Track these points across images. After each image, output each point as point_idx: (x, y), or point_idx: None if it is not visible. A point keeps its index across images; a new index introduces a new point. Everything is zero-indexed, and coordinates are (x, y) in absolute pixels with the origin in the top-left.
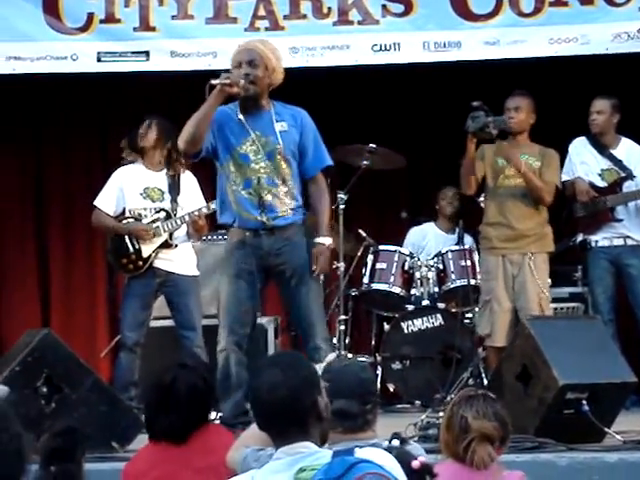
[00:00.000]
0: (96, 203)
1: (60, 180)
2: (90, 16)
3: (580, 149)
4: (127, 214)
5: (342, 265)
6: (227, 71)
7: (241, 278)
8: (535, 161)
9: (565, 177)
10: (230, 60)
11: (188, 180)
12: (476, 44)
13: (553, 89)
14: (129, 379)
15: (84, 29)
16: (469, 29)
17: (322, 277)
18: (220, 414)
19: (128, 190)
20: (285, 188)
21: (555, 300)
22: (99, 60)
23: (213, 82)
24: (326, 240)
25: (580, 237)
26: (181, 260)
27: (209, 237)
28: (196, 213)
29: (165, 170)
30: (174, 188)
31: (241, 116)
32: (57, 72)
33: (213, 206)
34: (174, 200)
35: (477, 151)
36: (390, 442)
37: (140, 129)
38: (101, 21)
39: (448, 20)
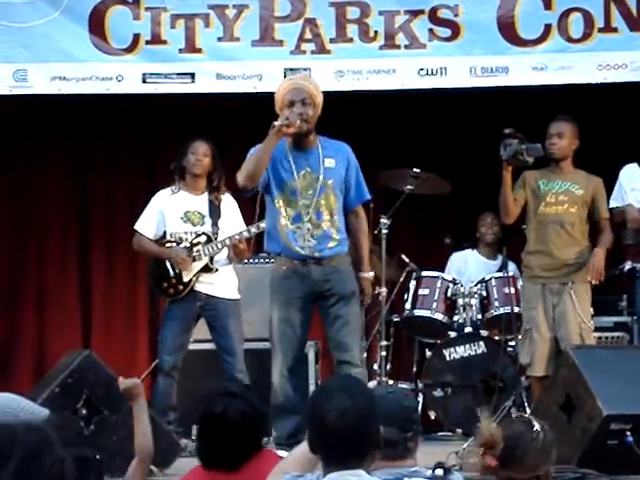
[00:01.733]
0: (136, 227)
1: (104, 201)
2: (136, 37)
3: (632, 175)
4: (168, 237)
5: (384, 291)
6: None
7: (292, 305)
8: (578, 188)
9: (614, 203)
10: (277, 99)
11: (228, 203)
12: (524, 69)
13: (602, 115)
14: (167, 403)
15: (130, 50)
16: (517, 54)
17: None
18: (272, 437)
19: (169, 214)
20: (332, 222)
21: (600, 329)
22: (144, 81)
23: (276, 123)
24: (369, 274)
25: (628, 265)
26: (222, 284)
27: (259, 260)
28: (237, 237)
29: (206, 193)
30: (214, 212)
31: (292, 153)
32: (102, 93)
33: (254, 229)
34: (215, 224)
35: (519, 178)
36: (433, 471)
37: (196, 154)
38: (147, 42)
39: (496, 45)
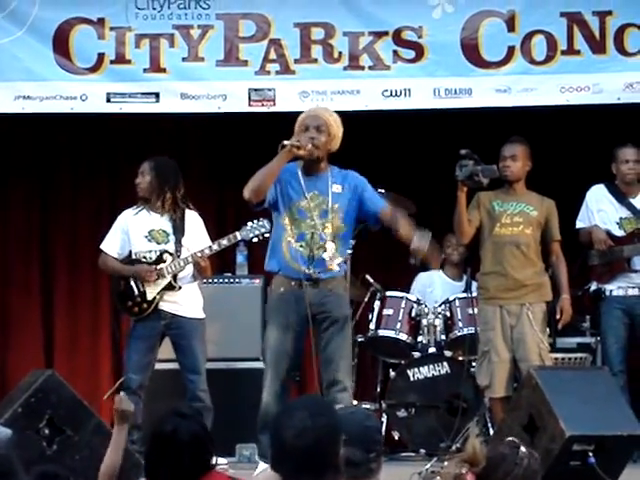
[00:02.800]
0: (102, 247)
1: (67, 221)
2: (100, 56)
3: (598, 197)
4: (133, 256)
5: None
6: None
7: (289, 327)
8: (533, 210)
9: (581, 224)
10: (296, 124)
11: (193, 220)
12: (487, 91)
13: (564, 137)
14: (131, 422)
15: (94, 69)
16: (480, 76)
17: None
18: (227, 459)
19: (133, 233)
20: (334, 244)
21: (563, 350)
22: (109, 101)
23: (285, 142)
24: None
25: (594, 286)
26: (187, 302)
27: (221, 280)
28: (198, 254)
29: (170, 212)
30: (178, 229)
31: (302, 175)
32: (66, 112)
33: (215, 247)
34: (178, 241)
35: (473, 199)
36: None
37: (136, 179)
38: (111, 62)
39: (459, 67)
